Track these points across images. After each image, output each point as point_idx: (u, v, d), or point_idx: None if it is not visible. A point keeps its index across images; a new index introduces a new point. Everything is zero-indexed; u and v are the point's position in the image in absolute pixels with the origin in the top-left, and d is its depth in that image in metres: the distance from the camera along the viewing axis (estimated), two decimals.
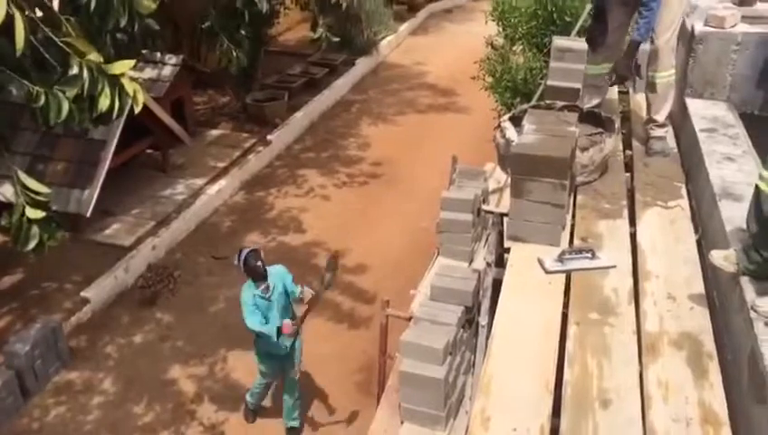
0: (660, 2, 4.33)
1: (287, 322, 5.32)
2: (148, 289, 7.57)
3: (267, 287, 5.35)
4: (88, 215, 7.88)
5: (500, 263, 4.32)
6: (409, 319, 4.34)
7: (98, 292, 7.36)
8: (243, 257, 5.29)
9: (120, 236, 8.29)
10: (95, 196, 7.88)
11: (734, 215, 3.29)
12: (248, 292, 5.29)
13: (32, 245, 4.47)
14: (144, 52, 7.70)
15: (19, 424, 6.01)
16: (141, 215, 8.73)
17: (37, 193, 4.40)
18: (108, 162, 8.06)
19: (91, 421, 6.08)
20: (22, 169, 4.70)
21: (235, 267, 5.45)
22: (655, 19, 4.40)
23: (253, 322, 5.24)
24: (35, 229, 4.43)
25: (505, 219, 4.21)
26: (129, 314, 7.37)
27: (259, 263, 5.29)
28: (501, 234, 4.36)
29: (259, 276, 5.31)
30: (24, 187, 4.37)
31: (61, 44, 4.17)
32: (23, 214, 4.38)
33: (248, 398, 5.99)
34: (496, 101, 8.36)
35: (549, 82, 5.36)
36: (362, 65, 14.58)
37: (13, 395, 6.03)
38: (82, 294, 7.29)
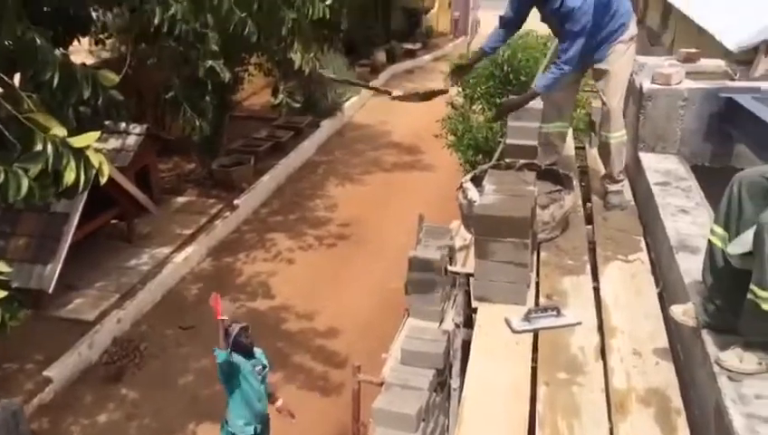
0: (570, 65, 4.46)
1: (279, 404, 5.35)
2: (113, 365, 7.37)
3: (263, 367, 5.27)
4: (50, 291, 7.71)
5: (468, 323, 4.31)
6: (381, 384, 4.29)
7: (61, 370, 7.14)
8: (233, 336, 5.07)
9: (83, 310, 8.11)
10: (57, 270, 7.73)
11: (692, 267, 3.35)
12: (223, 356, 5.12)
13: None
14: (107, 123, 7.72)
15: None
16: (106, 287, 8.57)
17: None
18: (71, 236, 7.95)
19: None
20: None
21: (223, 340, 5.22)
22: (559, 78, 4.54)
23: (223, 356, 5.03)
24: None
25: (471, 279, 4.23)
26: (93, 392, 7.15)
27: (249, 341, 5.18)
28: (468, 294, 4.37)
29: (248, 354, 5.18)
30: None
31: (23, 120, 4.17)
32: None
33: None
34: (459, 159, 8.53)
35: (508, 141, 5.50)
36: (327, 127, 14.80)
37: None
38: (45, 373, 7.06)
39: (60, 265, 7.76)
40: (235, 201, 11.01)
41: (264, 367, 5.30)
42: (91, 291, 8.47)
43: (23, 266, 7.55)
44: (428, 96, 5.20)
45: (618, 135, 4.78)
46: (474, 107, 8.59)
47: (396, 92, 5.36)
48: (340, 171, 12.99)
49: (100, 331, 7.72)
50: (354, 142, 14.54)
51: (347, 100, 15.98)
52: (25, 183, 4.33)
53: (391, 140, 14.42)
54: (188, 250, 9.61)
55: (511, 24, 4.74)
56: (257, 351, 5.32)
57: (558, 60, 4.49)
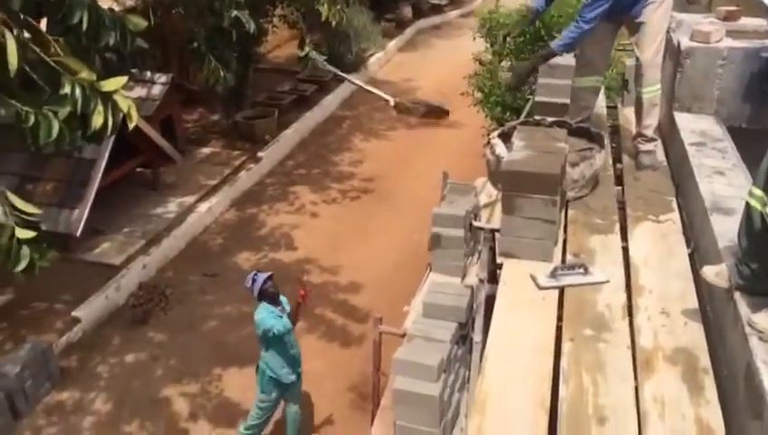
0: (591, 23, 4.35)
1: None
2: (140, 308, 7.53)
3: (283, 309, 5.40)
4: (78, 234, 7.84)
5: (493, 279, 4.31)
6: (403, 336, 4.33)
7: (89, 311, 7.31)
8: (260, 284, 5.27)
9: (110, 255, 8.24)
10: (85, 215, 7.84)
11: (726, 229, 3.30)
12: (266, 310, 5.30)
13: (22, 266, 4.43)
14: (133, 71, 7.70)
15: None
16: (132, 233, 8.69)
17: (26, 214, 4.37)
18: (98, 181, 8.03)
19: None
20: (10, 190, 4.67)
21: (246, 290, 5.41)
22: (577, 38, 4.44)
23: (283, 324, 5.25)
24: (26, 250, 4.39)
25: (497, 235, 4.21)
26: (120, 333, 7.31)
27: (275, 289, 5.36)
28: (493, 250, 4.36)
29: (275, 302, 5.35)
30: (14, 207, 4.34)
31: (51, 64, 4.17)
32: (12, 235, 4.35)
33: (242, 430, 5.72)
34: (486, 117, 8.40)
35: (537, 98, 5.40)
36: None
37: (3, 417, 5.96)
38: (73, 313, 7.23)
39: (87, 210, 7.86)
40: (259, 153, 11.02)
41: (288, 314, 5.43)
42: (118, 236, 8.59)
43: (51, 210, 7.66)
44: (427, 114, 5.14)
45: (651, 90, 4.67)
46: (502, 63, 8.40)
47: (394, 101, 5.26)
48: (364, 126, 12.90)
49: (126, 275, 7.86)
50: (378, 98, 14.37)
51: (372, 55, 15.76)
52: (56, 126, 4.37)
53: (416, 97, 14.24)
54: (212, 200, 9.68)
55: None
56: (282, 299, 5.43)
57: (578, 18, 4.38)
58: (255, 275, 5.36)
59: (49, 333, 6.99)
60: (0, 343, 6.93)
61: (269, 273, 5.43)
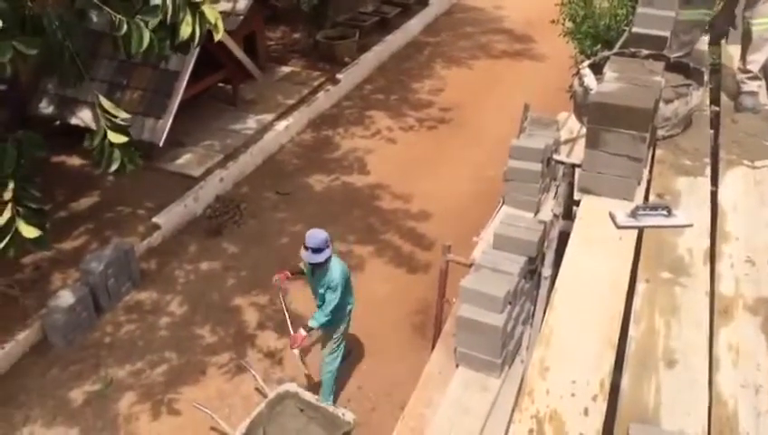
0: None
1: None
2: (216, 219, 7.79)
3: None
4: (161, 144, 8.10)
5: (568, 215, 4.20)
6: (470, 266, 4.30)
7: (168, 218, 7.62)
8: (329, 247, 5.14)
9: (190, 166, 8.51)
10: (168, 125, 8.08)
11: None
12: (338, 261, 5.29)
13: (114, 167, 4.65)
14: None
15: (92, 338, 6.37)
16: (211, 147, 8.91)
17: (116, 117, 4.52)
18: (181, 93, 8.21)
19: (158, 339, 6.39)
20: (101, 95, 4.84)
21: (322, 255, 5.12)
22: None
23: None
24: (117, 152, 4.59)
25: (577, 171, 4.07)
26: (196, 241, 7.62)
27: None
28: (571, 185, 4.23)
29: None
30: (105, 111, 4.50)
31: None
32: (104, 137, 4.54)
33: (327, 358, 5.56)
34: (575, 49, 8.02)
35: (634, 29, 5.06)
36: (436, 6, 14.23)
37: (87, 310, 6.38)
38: (154, 219, 7.57)
39: (170, 121, 8.09)
40: (338, 75, 10.95)
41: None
42: (198, 149, 8.83)
43: (136, 119, 7.90)
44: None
45: (762, 21, 4.30)
46: None
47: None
48: (445, 54, 12.57)
49: (204, 187, 8.12)
50: (463, 25, 13.93)
51: None
52: (147, 35, 4.45)
53: (502, 26, 13.72)
54: (290, 119, 9.75)
55: None
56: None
57: None
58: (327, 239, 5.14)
59: (131, 236, 7.35)
60: (86, 243, 7.36)
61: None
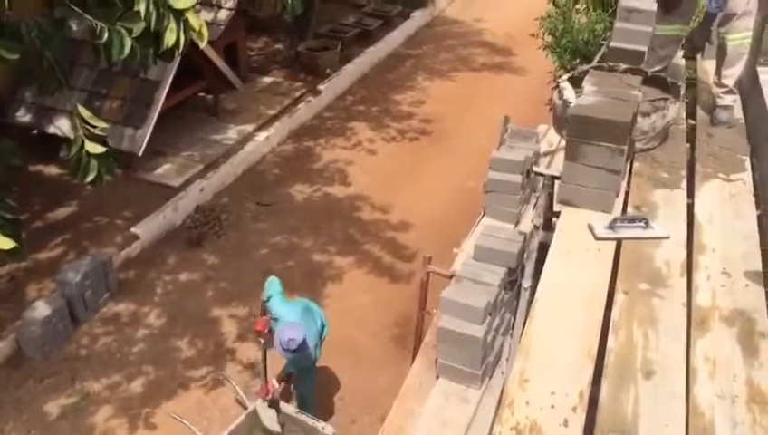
0: None
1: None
2: (195, 230, 7.74)
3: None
4: (140, 153, 8.04)
5: (548, 226, 4.23)
6: (451, 277, 4.31)
7: (147, 229, 7.55)
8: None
9: (169, 176, 8.45)
10: (148, 135, 8.02)
11: None
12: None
13: (90, 177, 4.61)
14: None
15: (68, 350, 6.27)
16: (191, 157, 8.86)
17: (94, 127, 4.49)
18: (161, 103, 8.16)
19: (136, 353, 6.30)
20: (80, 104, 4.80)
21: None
22: None
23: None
24: (94, 163, 4.55)
25: (556, 182, 4.11)
26: (175, 252, 7.55)
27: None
28: (551, 197, 4.26)
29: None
30: (83, 120, 4.46)
31: None
32: (82, 147, 4.49)
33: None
34: (554, 63, 8.11)
35: (612, 44, 5.13)
36: (418, 18, 14.31)
37: (63, 322, 6.28)
38: (133, 229, 7.49)
39: (150, 130, 8.02)
40: (319, 86, 10.96)
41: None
42: (178, 159, 8.77)
43: (115, 128, 7.85)
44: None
45: (737, 36, 4.39)
46: (577, 6, 8.05)
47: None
48: (427, 66, 12.64)
49: (184, 197, 8.06)
50: (444, 37, 14.03)
51: None
52: (128, 43, 4.43)
53: (483, 39, 13.83)
54: (271, 130, 9.73)
55: None
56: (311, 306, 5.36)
57: None
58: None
59: (109, 247, 7.27)
60: (63, 253, 7.26)
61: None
